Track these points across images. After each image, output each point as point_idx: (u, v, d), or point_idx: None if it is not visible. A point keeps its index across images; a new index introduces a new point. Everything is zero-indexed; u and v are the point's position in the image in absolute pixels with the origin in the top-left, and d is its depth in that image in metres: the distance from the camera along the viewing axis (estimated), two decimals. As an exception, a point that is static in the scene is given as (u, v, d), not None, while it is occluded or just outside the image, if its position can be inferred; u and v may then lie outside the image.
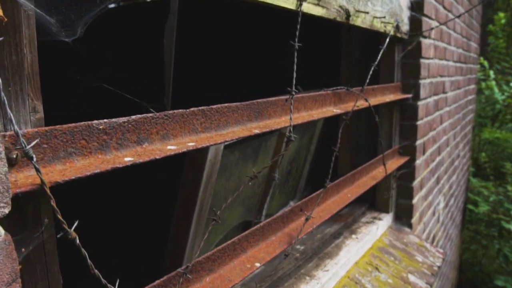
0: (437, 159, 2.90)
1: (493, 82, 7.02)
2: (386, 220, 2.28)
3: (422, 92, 2.29)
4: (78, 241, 0.60)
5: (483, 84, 7.10)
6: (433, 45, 2.46)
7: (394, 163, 2.14)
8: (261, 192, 1.91)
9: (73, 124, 0.65)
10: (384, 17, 1.80)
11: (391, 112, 2.22)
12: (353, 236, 1.98)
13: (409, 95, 2.22)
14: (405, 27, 2.12)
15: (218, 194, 1.56)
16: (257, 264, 1.07)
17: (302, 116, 1.26)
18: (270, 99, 1.13)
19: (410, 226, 2.38)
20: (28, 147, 0.54)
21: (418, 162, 2.34)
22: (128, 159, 0.70)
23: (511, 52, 7.97)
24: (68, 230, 0.59)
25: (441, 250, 2.45)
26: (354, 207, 2.26)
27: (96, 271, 0.65)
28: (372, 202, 2.35)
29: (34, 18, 0.60)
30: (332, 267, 1.67)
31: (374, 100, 1.79)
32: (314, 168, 2.45)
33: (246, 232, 1.10)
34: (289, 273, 1.59)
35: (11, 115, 0.54)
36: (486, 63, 6.99)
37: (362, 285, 1.74)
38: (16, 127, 0.54)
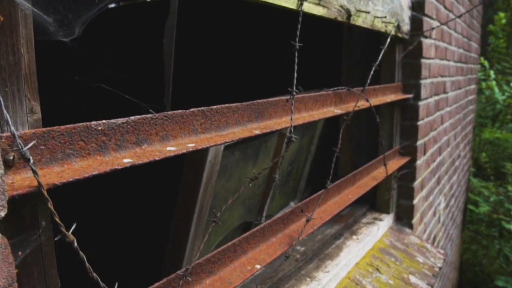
0: (438, 159, 2.90)
1: (494, 82, 7.02)
2: (386, 221, 2.27)
3: (423, 92, 2.28)
4: (76, 244, 0.60)
5: (484, 84, 7.10)
6: (434, 45, 2.45)
7: (395, 164, 2.13)
8: (262, 192, 1.90)
9: (71, 125, 0.64)
10: (385, 17, 1.79)
11: (392, 112, 2.21)
12: (354, 237, 1.97)
13: (410, 95, 2.21)
14: (406, 27, 2.11)
15: (218, 195, 1.55)
16: (258, 266, 1.06)
17: (303, 117, 1.25)
18: (271, 99, 1.12)
19: (411, 226, 2.37)
20: (25, 148, 0.54)
21: (419, 162, 2.34)
22: (127, 161, 0.70)
23: (511, 52, 7.96)
24: (66, 233, 0.58)
25: (442, 251, 2.44)
26: (355, 207, 2.25)
27: (94, 274, 0.64)
28: (372, 202, 2.34)
29: (31, 18, 0.60)
30: (332, 268, 1.66)
31: (375, 100, 1.78)
32: (315, 168, 2.44)
33: (247, 233, 1.09)
34: (290, 274, 1.58)
35: (8, 116, 0.53)
36: (486, 63, 6.98)
37: (363, 286, 1.73)
38: (12, 128, 0.53)
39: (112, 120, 0.70)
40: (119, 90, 0.98)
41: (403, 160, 2.21)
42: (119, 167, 0.67)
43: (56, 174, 0.61)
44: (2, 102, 0.51)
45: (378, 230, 2.13)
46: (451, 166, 3.53)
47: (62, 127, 0.63)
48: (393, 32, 1.89)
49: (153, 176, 2.70)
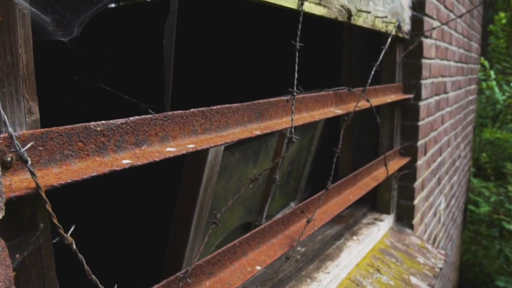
0: (438, 159, 2.89)
1: (494, 82, 7.01)
2: (387, 221, 2.26)
3: (424, 93, 2.28)
4: (74, 246, 0.59)
5: (484, 84, 7.09)
6: (434, 45, 2.45)
7: (395, 164, 2.12)
8: (262, 193, 1.90)
9: (70, 126, 0.64)
10: (386, 16, 1.79)
11: (392, 113, 2.20)
12: (354, 237, 1.97)
13: (411, 96, 2.20)
14: (406, 27, 2.11)
15: (218, 195, 1.54)
16: (258, 268, 1.05)
17: (303, 117, 1.24)
18: (271, 99, 1.11)
19: (411, 227, 2.36)
20: (22, 150, 0.53)
21: (419, 162, 2.33)
22: (126, 162, 0.69)
23: (511, 52, 7.95)
24: (65, 235, 0.57)
25: (443, 252, 2.43)
26: (355, 208, 2.24)
27: (93, 276, 0.63)
28: (373, 203, 2.34)
29: (30, 17, 0.59)
30: (333, 269, 1.65)
31: (376, 101, 1.77)
32: (315, 168, 2.43)
33: (247, 234, 1.08)
34: (290, 275, 1.58)
35: (5, 117, 0.52)
36: (486, 63, 6.98)
37: (363, 287, 1.72)
38: (10, 129, 0.52)
39: (111, 121, 0.69)
40: (119, 90, 0.97)
41: (403, 161, 2.21)
42: (118, 168, 0.67)
43: (54, 175, 0.60)
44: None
45: (378, 230, 2.13)
46: (451, 166, 3.52)
47: (61, 128, 0.62)
48: (393, 32, 1.89)
49: (153, 177, 2.70)
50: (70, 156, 0.64)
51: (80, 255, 0.60)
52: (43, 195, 0.55)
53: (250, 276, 1.02)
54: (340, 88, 1.48)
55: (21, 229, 0.59)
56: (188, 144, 0.82)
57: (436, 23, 2.41)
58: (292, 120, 1.09)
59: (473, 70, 4.50)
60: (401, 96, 2.12)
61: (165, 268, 1.46)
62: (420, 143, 2.30)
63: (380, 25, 1.77)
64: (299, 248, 1.78)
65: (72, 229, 0.58)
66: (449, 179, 3.45)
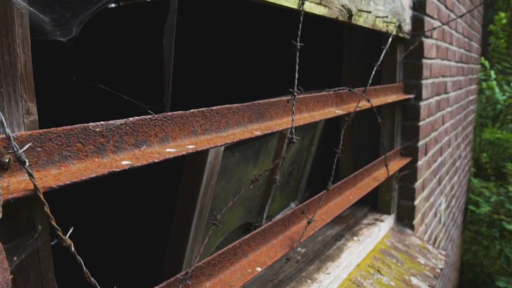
0: (439, 160, 2.88)
1: (494, 82, 7.01)
2: (388, 222, 2.26)
3: (424, 93, 2.27)
4: (73, 248, 0.58)
5: (484, 84, 7.09)
6: (435, 45, 2.44)
7: (396, 164, 2.11)
8: (262, 193, 1.89)
9: (69, 127, 0.63)
10: (387, 16, 1.78)
11: (393, 113, 2.20)
12: (355, 238, 1.96)
13: (411, 96, 2.19)
14: (407, 27, 2.10)
15: (218, 196, 1.53)
16: (258, 269, 1.04)
17: (304, 117, 1.23)
18: (272, 100, 1.10)
19: (412, 227, 2.36)
20: (20, 151, 0.52)
21: (420, 163, 2.32)
22: (126, 163, 0.68)
23: (511, 52, 7.95)
24: (63, 237, 0.57)
25: (444, 252, 2.43)
26: (356, 208, 2.24)
27: (92, 279, 0.63)
28: (373, 203, 2.33)
29: (28, 17, 0.58)
30: (333, 270, 1.65)
31: (376, 101, 1.76)
32: (315, 169, 2.42)
33: (247, 235, 1.08)
34: (290, 276, 1.57)
35: (3, 117, 0.51)
36: (487, 63, 6.97)
37: (364, 288, 1.71)
38: (8, 130, 0.52)
39: (111, 122, 0.69)
40: (118, 90, 0.96)
41: (404, 161, 2.20)
42: (118, 170, 0.66)
43: (53, 176, 0.60)
44: (-4, 103, 0.49)
45: (379, 231, 2.12)
46: (452, 166, 3.52)
47: (59, 128, 0.62)
48: (394, 32, 1.88)
49: (153, 178, 2.69)
50: (69, 157, 0.63)
51: (78, 257, 0.59)
52: (41, 196, 0.54)
53: (251, 278, 1.02)
54: (340, 88, 1.47)
55: (19, 231, 0.59)
56: (188, 145, 0.82)
57: (436, 23, 2.40)
58: (292, 120, 1.09)
59: (473, 70, 4.50)
60: (401, 96, 2.12)
61: (165, 269, 1.45)
62: (420, 143, 2.29)
63: (380, 25, 1.76)
64: (299, 249, 1.77)
65: (70, 231, 0.58)
66: (449, 179, 3.44)
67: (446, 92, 2.89)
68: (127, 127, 0.71)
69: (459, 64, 3.43)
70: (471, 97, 4.44)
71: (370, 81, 1.60)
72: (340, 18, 1.40)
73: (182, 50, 1.81)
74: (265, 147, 1.76)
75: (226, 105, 0.94)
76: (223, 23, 3.28)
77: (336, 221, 2.08)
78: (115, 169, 0.66)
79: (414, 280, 1.95)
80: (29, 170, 0.52)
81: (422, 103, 2.24)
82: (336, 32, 2.44)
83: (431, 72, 2.40)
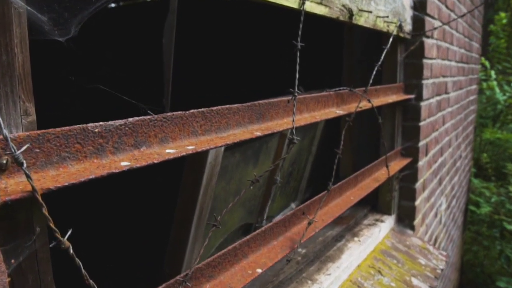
0: (440, 160, 2.88)
1: (495, 83, 7.00)
2: (388, 222, 2.25)
3: (425, 93, 2.26)
4: (72, 250, 0.57)
5: (485, 85, 7.08)
6: (435, 45, 2.43)
7: (396, 165, 2.11)
8: (262, 194, 1.88)
9: (67, 128, 0.62)
10: (387, 16, 1.77)
11: (393, 113, 2.19)
12: (355, 238, 1.95)
13: (412, 96, 2.19)
14: (408, 26, 2.09)
15: (218, 197, 1.53)
16: (259, 270, 1.04)
17: (305, 118, 1.23)
18: (272, 100, 1.10)
19: (412, 228, 2.35)
20: (18, 152, 0.52)
21: (420, 163, 2.32)
22: (125, 164, 0.68)
23: (511, 52, 7.95)
24: (61, 239, 0.56)
25: (444, 253, 2.42)
26: (356, 209, 2.23)
27: (91, 281, 0.62)
28: (374, 204, 2.32)
29: (26, 16, 0.57)
30: (334, 271, 1.64)
31: (377, 101, 1.76)
32: (315, 169, 2.42)
33: (248, 236, 1.07)
34: (291, 277, 1.56)
35: (0, 118, 0.51)
36: (487, 63, 6.97)
37: (364, 289, 1.71)
38: (5, 131, 0.51)
39: (110, 122, 0.68)
40: (118, 90, 0.96)
41: (405, 161, 2.19)
42: (117, 171, 0.65)
43: (51, 178, 0.59)
44: (-6, 104, 0.49)
45: (379, 231, 2.11)
46: (452, 166, 3.51)
47: (58, 129, 0.61)
48: (395, 32, 1.88)
49: (153, 178, 2.68)
50: (68, 158, 0.63)
51: (77, 260, 0.59)
52: (39, 198, 0.53)
53: (251, 279, 1.01)
54: (341, 88, 1.46)
55: (17, 233, 0.58)
56: (188, 146, 0.81)
57: (437, 23, 2.39)
58: (293, 121, 1.08)
59: (474, 70, 4.49)
60: (402, 97, 2.11)
61: (165, 270, 1.44)
62: (421, 143, 2.29)
63: (381, 25, 1.76)
64: (299, 250, 1.76)
65: (69, 233, 0.57)
66: (450, 180, 3.44)
67: (446, 92, 2.88)
68: (127, 128, 0.71)
69: (460, 64, 3.42)
70: (471, 97, 4.44)
71: (370, 81, 1.59)
72: (341, 18, 1.39)
73: (182, 50, 1.81)
74: (265, 147, 1.75)
75: (226, 106, 0.94)
76: (223, 23, 3.27)
77: (337, 222, 2.07)
78: (114, 170, 0.65)
79: (415, 281, 1.94)
80: (27, 172, 0.52)
81: (422, 103, 2.23)
82: (337, 32, 2.43)
83: (432, 72, 2.39)
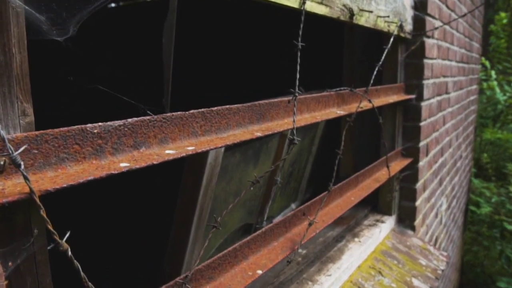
0: (440, 160, 2.87)
1: (495, 83, 7.00)
2: (389, 223, 2.24)
3: (426, 93, 2.25)
4: (70, 252, 0.57)
5: (485, 85, 7.07)
6: (436, 45, 2.43)
7: (397, 165, 2.10)
8: (262, 194, 1.88)
9: (66, 128, 0.62)
10: (388, 16, 1.77)
11: (394, 113, 2.18)
12: (356, 239, 1.95)
13: (413, 96, 2.18)
14: (408, 26, 2.09)
15: (218, 197, 1.52)
16: (259, 272, 1.03)
17: (305, 118, 1.22)
18: (273, 100, 1.09)
19: (413, 228, 2.34)
20: (15, 153, 0.51)
21: (421, 163, 2.31)
22: (124, 165, 0.67)
23: (512, 52, 7.94)
24: (60, 241, 0.55)
25: (445, 253, 2.41)
26: (357, 209, 2.22)
27: (89, 284, 0.61)
28: (374, 204, 2.32)
29: (24, 16, 0.57)
30: (334, 272, 1.63)
31: (378, 101, 1.75)
32: (316, 169, 2.41)
33: (248, 237, 1.06)
34: (291, 278, 1.56)
35: (-3, 119, 0.50)
36: (487, 63, 6.96)
37: (365, 290, 1.70)
38: (3, 132, 0.50)
39: (109, 123, 0.67)
40: (117, 91, 0.95)
41: (405, 162, 2.19)
42: (116, 172, 0.65)
43: (49, 179, 0.58)
44: (-9, 104, 0.48)
45: (380, 232, 2.11)
46: (453, 167, 3.50)
47: (56, 130, 0.60)
48: (396, 32, 1.87)
49: (152, 179, 2.68)
50: (66, 159, 0.62)
51: (76, 262, 0.58)
52: (37, 200, 0.53)
53: (251, 281, 1.00)
54: (342, 88, 1.46)
55: (14, 235, 0.57)
56: (188, 146, 0.80)
57: (438, 23, 2.39)
58: (294, 121, 1.07)
59: (474, 70, 4.48)
60: (403, 97, 2.10)
61: (165, 270, 1.44)
62: (422, 144, 2.28)
63: (382, 25, 1.75)
64: (300, 250, 1.75)
65: (67, 235, 0.56)
66: (450, 180, 3.43)
67: (447, 92, 2.87)
68: (126, 129, 0.70)
69: (460, 64, 3.41)
70: (472, 97, 4.43)
71: (371, 81, 1.59)
72: (342, 18, 1.39)
73: (182, 50, 1.80)
74: (266, 147, 1.75)
75: (227, 106, 0.93)
76: (223, 22, 3.26)
77: (337, 222, 2.06)
78: (113, 172, 0.64)
79: (416, 282, 1.93)
80: (24, 173, 0.51)
81: (423, 103, 2.23)
82: (337, 32, 2.43)
83: (432, 72, 2.38)
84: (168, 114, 0.78)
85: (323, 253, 1.78)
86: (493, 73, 7.01)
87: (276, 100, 1.10)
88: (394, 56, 2.11)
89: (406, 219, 2.35)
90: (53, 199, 0.67)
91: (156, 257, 1.62)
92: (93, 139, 0.65)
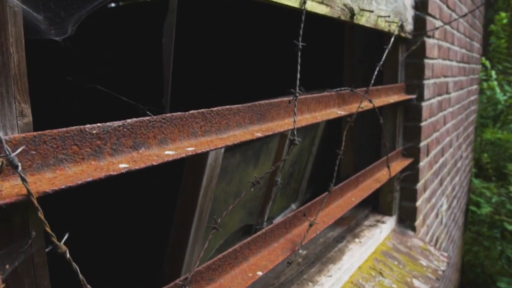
0: (441, 160, 2.86)
1: (495, 83, 6.99)
2: (389, 223, 2.23)
3: (426, 93, 2.25)
4: (68, 255, 0.56)
5: (485, 85, 7.07)
6: (437, 45, 2.42)
7: (398, 165, 2.09)
8: (263, 195, 1.87)
9: (64, 129, 0.61)
10: (389, 16, 1.76)
11: (394, 113, 2.18)
12: (356, 240, 1.94)
13: (413, 96, 2.17)
14: (409, 26, 2.08)
15: (218, 198, 1.51)
16: (259, 273, 1.02)
17: (306, 118, 1.21)
18: (273, 100, 1.08)
19: (413, 229, 2.34)
20: (12, 154, 0.50)
21: (422, 164, 2.30)
22: (123, 166, 0.66)
23: (512, 52, 7.94)
24: (58, 243, 0.55)
25: (446, 254, 2.41)
26: (357, 210, 2.22)
27: (88, 286, 0.60)
28: (375, 204, 2.31)
29: (21, 15, 0.56)
30: (335, 272, 1.63)
31: (379, 101, 1.74)
32: (316, 169, 2.40)
33: (248, 239, 1.06)
34: (292, 279, 1.55)
35: (-5, 120, 0.49)
36: (488, 63, 6.95)
37: (366, 290, 1.69)
38: (0, 133, 0.50)
39: (108, 123, 0.67)
40: (116, 91, 0.94)
41: (406, 162, 2.18)
42: (115, 173, 0.64)
43: (47, 180, 0.58)
44: (-12, 105, 0.47)
45: (380, 232, 2.10)
46: (453, 167, 3.50)
47: (54, 130, 0.60)
48: (396, 32, 1.86)
49: (152, 180, 2.67)
50: (64, 160, 0.61)
51: (74, 264, 0.57)
52: (35, 202, 0.52)
53: (251, 282, 1.00)
54: (342, 88, 1.45)
55: (12, 237, 0.56)
56: (188, 147, 0.80)
57: (438, 23, 2.38)
58: (294, 121, 1.06)
59: (474, 70, 4.48)
60: (403, 97, 2.10)
61: (164, 271, 1.43)
62: (422, 144, 2.27)
63: (383, 25, 1.74)
64: (300, 251, 1.75)
65: (65, 237, 0.56)
66: (451, 180, 3.42)
67: (447, 92, 2.87)
68: (125, 129, 0.69)
69: (461, 64, 3.41)
70: (472, 97, 4.42)
71: (372, 81, 1.58)
72: (342, 18, 1.38)
73: (181, 50, 1.79)
74: (266, 148, 1.74)
75: (227, 106, 0.92)
76: (223, 22, 3.26)
77: (337, 223, 2.05)
78: (112, 173, 0.64)
79: (416, 282, 1.93)
80: (22, 175, 0.50)
81: (424, 104, 2.22)
82: (338, 32, 2.42)
83: (433, 72, 2.38)
84: (168, 115, 0.78)
85: (323, 253, 1.77)
86: (493, 73, 7.01)
87: (276, 100, 1.09)
88: (395, 56, 2.11)
89: (407, 220, 2.34)
90: (51, 200, 0.66)
91: (155, 258, 1.61)
92: (92, 140, 0.65)
